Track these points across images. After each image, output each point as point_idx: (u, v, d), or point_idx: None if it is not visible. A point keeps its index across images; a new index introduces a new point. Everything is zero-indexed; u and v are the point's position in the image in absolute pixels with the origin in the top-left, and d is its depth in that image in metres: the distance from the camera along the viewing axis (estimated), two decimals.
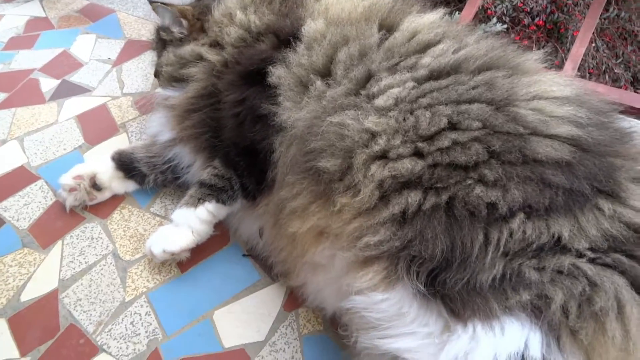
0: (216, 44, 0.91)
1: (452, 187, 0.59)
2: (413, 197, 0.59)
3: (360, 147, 0.63)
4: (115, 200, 0.98)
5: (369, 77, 0.70)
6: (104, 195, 0.98)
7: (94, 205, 0.97)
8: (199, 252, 0.88)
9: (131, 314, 0.82)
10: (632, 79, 1.54)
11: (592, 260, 0.56)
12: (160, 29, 1.00)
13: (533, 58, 0.75)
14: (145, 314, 0.82)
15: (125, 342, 0.79)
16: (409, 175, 0.60)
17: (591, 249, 0.57)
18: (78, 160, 1.06)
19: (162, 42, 1.01)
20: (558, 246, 0.57)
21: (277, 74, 0.76)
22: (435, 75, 0.69)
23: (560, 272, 0.55)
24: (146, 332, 0.80)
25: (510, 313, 0.54)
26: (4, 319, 0.83)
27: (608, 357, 0.53)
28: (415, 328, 0.59)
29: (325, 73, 0.73)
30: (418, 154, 0.62)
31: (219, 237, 0.89)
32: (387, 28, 0.77)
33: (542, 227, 0.57)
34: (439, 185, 0.59)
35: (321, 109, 0.69)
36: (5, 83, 1.25)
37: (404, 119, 0.64)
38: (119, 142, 1.09)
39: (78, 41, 1.36)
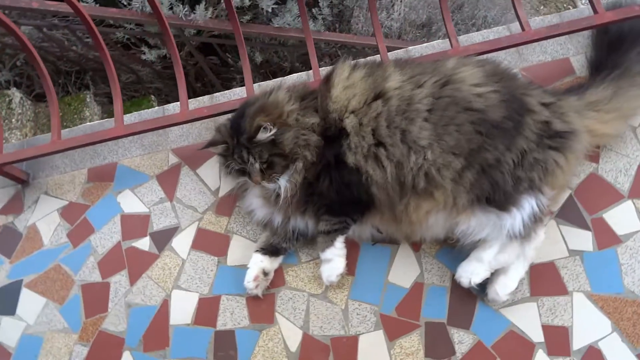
0: None
1: (478, 160, 1.25)
2: (469, 176, 1.25)
3: (434, 169, 1.26)
4: (279, 271, 1.52)
5: (404, 132, 1.28)
6: (272, 275, 1.51)
7: (270, 283, 1.51)
8: (351, 260, 1.49)
9: (351, 310, 1.45)
10: None
11: (537, 151, 1.29)
12: None
13: (450, 64, 1.38)
14: (355, 309, 1.45)
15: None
16: (460, 169, 1.25)
17: (534, 146, 1.28)
18: (227, 269, 1.54)
19: None
20: (524, 154, 1.27)
21: (351, 159, 1.30)
22: (430, 110, 1.29)
23: (530, 164, 1.27)
24: (365, 314, 1.45)
25: (521, 196, 1.24)
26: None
27: (557, 183, 1.30)
28: (485, 224, 1.28)
29: (380, 144, 1.28)
30: (455, 154, 1.25)
31: (354, 245, 1.50)
32: (381, 97, 1.33)
33: (516, 153, 1.26)
34: (473, 162, 1.26)
35: (396, 163, 1.28)
36: (115, 262, 1.60)
37: (439, 144, 1.26)
38: (236, 243, 1.56)
39: (122, 202, 1.68)
